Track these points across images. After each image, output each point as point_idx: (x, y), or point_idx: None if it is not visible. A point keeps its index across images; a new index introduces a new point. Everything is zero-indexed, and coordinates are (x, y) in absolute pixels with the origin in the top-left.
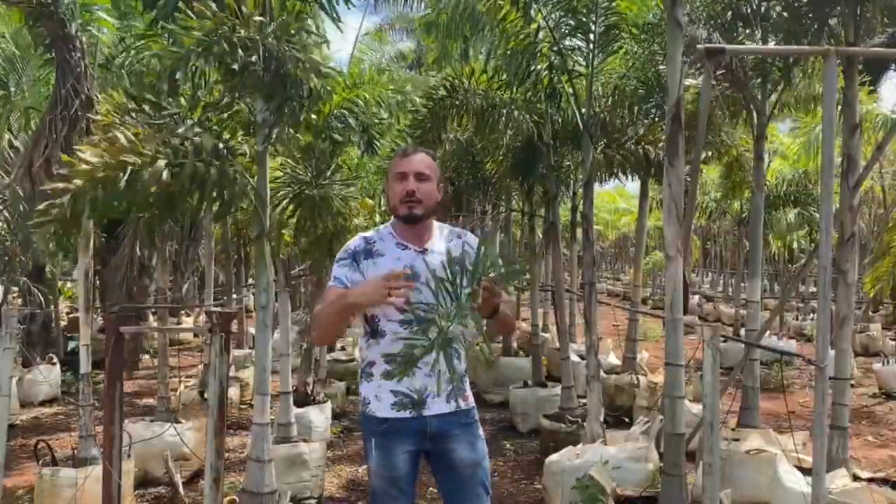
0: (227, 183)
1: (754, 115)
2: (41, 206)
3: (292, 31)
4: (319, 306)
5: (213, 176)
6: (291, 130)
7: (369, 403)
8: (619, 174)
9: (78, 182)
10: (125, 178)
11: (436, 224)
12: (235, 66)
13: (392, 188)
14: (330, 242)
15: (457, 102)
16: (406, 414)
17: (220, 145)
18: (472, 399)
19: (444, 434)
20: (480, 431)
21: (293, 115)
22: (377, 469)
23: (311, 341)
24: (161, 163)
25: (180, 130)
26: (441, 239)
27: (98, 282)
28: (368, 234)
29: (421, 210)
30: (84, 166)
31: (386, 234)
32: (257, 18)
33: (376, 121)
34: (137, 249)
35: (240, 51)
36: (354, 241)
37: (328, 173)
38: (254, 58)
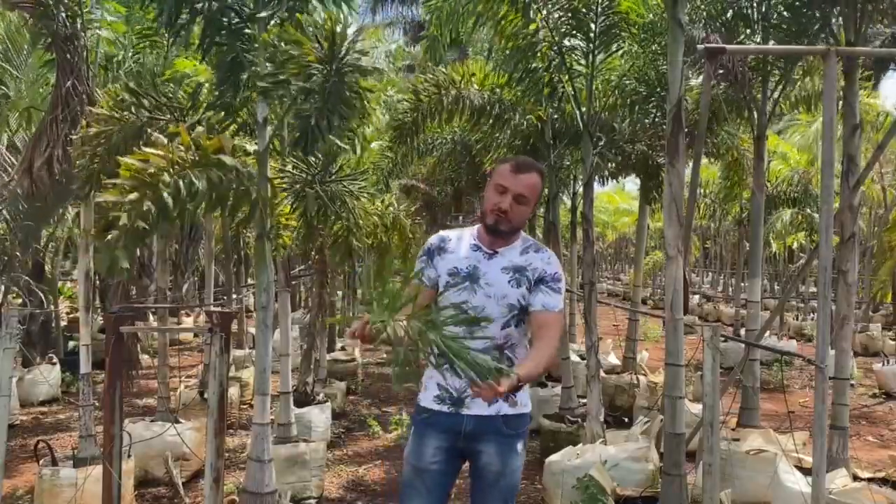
0: (246, 184)
1: (755, 114)
2: (99, 225)
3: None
4: None
5: (244, 177)
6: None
7: (420, 392)
8: (619, 175)
9: (153, 189)
10: (192, 184)
11: (522, 235)
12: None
13: (489, 194)
14: (346, 239)
15: (449, 99)
16: (444, 408)
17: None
18: (523, 407)
19: (477, 435)
20: (520, 447)
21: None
22: (408, 456)
23: (310, 341)
24: (215, 171)
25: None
26: (516, 249)
27: (98, 282)
28: (449, 232)
29: (506, 227)
30: (143, 175)
31: (468, 234)
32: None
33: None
34: (138, 250)
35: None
36: (433, 238)
37: (333, 170)
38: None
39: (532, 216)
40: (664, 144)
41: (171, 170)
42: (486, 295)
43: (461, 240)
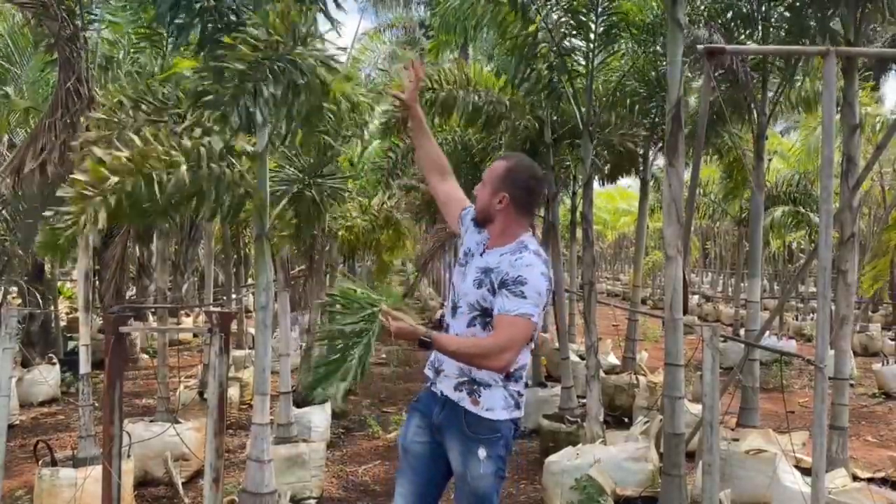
0: (237, 184)
1: (755, 114)
2: (49, 213)
3: (314, 42)
4: None
5: (227, 177)
6: (302, 131)
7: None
8: (618, 175)
9: (103, 188)
10: (154, 184)
11: (519, 240)
12: (277, 91)
13: None
14: (313, 242)
15: (441, 98)
16: (430, 375)
17: (224, 146)
18: (486, 411)
19: (445, 429)
20: (482, 453)
21: (304, 119)
22: (399, 439)
23: (310, 341)
24: (183, 168)
25: (179, 130)
26: (500, 251)
27: (98, 282)
28: None
29: (475, 212)
30: (105, 172)
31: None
32: (301, 48)
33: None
34: (137, 250)
35: (281, 75)
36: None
37: (322, 171)
38: (296, 79)
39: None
40: (646, 136)
41: (143, 167)
42: (464, 285)
43: (484, 230)
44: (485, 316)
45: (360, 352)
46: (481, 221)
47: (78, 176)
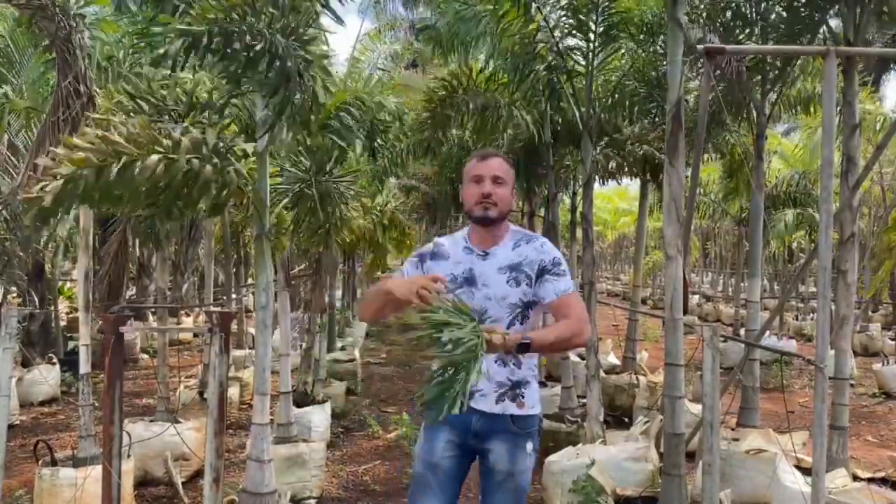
0: (222, 180)
1: (754, 114)
2: (28, 186)
3: (300, 29)
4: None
5: (206, 173)
6: (292, 131)
7: None
8: (619, 176)
9: (69, 167)
10: (117, 167)
11: (511, 228)
12: (243, 54)
13: (468, 190)
14: (328, 233)
15: (456, 102)
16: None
17: (220, 143)
18: (531, 408)
19: (486, 433)
20: (529, 447)
21: (295, 115)
22: (419, 452)
23: (310, 340)
24: (154, 157)
25: (178, 128)
26: (507, 245)
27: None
28: (442, 238)
29: (495, 213)
30: (78, 153)
31: (459, 238)
32: (271, 10)
33: (380, 124)
34: (137, 250)
35: (248, 37)
36: (427, 244)
37: (328, 169)
38: (259, 47)
39: (532, 215)
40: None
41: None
42: (485, 297)
43: (455, 244)
44: (525, 310)
45: (473, 366)
46: (498, 220)
47: (56, 154)
